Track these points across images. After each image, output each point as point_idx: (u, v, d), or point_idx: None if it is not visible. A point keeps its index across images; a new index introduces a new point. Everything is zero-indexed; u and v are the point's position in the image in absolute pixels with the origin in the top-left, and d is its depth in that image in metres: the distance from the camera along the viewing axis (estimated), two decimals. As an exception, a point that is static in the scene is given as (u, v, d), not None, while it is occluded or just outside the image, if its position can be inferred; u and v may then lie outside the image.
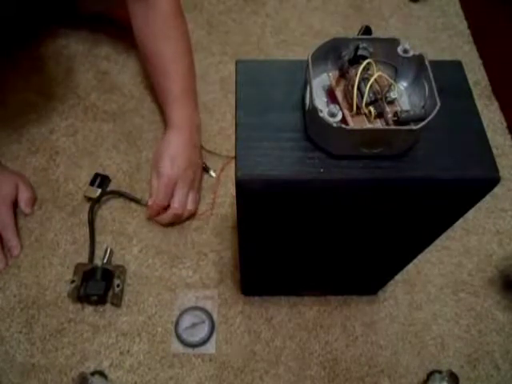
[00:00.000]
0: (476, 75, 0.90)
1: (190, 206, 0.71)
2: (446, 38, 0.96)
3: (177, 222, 0.72)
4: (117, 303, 0.66)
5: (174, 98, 0.74)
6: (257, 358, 0.64)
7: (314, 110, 0.33)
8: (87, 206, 0.72)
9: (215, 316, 0.66)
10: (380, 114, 0.35)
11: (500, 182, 0.36)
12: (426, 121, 0.32)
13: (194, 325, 0.65)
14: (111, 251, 0.70)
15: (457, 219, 0.43)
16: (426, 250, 0.50)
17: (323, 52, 0.36)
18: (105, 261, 0.68)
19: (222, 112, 0.84)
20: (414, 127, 0.32)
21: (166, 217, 0.70)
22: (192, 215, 0.73)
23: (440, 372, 0.63)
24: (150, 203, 0.70)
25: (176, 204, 0.69)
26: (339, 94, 0.37)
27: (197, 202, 0.73)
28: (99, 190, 0.73)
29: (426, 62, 0.35)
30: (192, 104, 0.76)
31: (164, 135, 0.73)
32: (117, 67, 0.87)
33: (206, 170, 0.77)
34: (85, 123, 0.82)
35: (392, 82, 0.35)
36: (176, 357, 0.64)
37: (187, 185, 0.70)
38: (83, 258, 0.69)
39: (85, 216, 0.72)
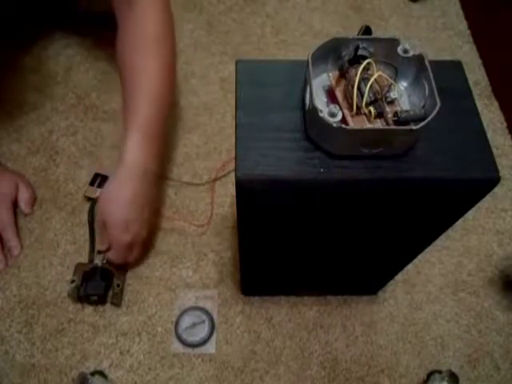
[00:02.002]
0: (476, 75, 0.90)
1: (129, 259, 0.67)
2: (446, 37, 0.96)
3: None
4: (117, 303, 0.66)
5: (135, 126, 0.63)
6: (257, 358, 0.64)
7: (314, 109, 0.33)
8: (87, 206, 0.72)
9: (215, 316, 0.66)
10: (380, 114, 0.35)
11: (500, 181, 0.36)
12: (426, 121, 0.32)
13: (194, 325, 0.65)
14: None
15: (457, 219, 0.43)
16: (426, 250, 0.50)
17: (323, 52, 0.36)
18: (105, 261, 0.68)
19: (221, 112, 0.84)
20: (413, 127, 0.33)
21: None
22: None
23: (440, 372, 0.63)
24: (101, 251, 0.65)
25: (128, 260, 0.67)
26: (339, 94, 0.37)
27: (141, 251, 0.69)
28: (99, 190, 0.73)
29: (426, 62, 0.35)
30: (154, 140, 0.65)
31: (114, 175, 0.63)
32: (117, 67, 0.87)
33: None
34: (85, 123, 0.82)
35: (392, 82, 0.35)
36: (176, 357, 0.64)
37: (139, 244, 0.66)
38: (83, 258, 0.69)
39: (85, 216, 0.72)
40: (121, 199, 0.62)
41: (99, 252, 0.67)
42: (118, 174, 0.63)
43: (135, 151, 0.63)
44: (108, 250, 0.65)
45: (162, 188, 0.75)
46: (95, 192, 0.73)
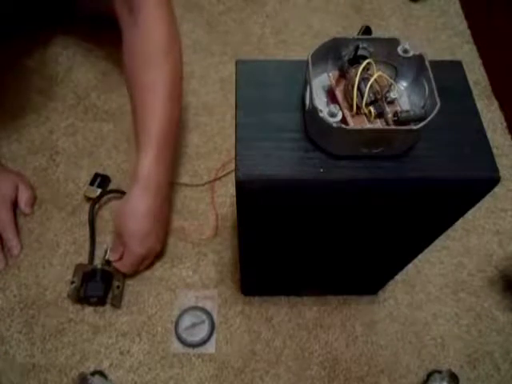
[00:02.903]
0: (476, 75, 0.90)
1: (141, 268, 0.68)
2: (446, 38, 0.96)
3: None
4: (116, 305, 0.66)
5: (147, 143, 0.64)
6: (257, 358, 0.64)
7: (314, 109, 0.33)
8: (87, 206, 0.72)
9: (215, 316, 0.66)
10: (380, 114, 0.35)
11: (500, 181, 0.36)
12: (426, 121, 0.32)
13: (194, 325, 0.65)
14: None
15: (457, 219, 0.43)
16: (426, 250, 0.50)
17: (323, 52, 0.36)
18: (104, 261, 0.68)
19: (222, 112, 0.84)
20: (414, 127, 0.33)
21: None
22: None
23: (440, 372, 0.63)
24: (112, 261, 0.67)
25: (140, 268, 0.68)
26: (339, 94, 0.37)
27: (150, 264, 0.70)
28: (99, 190, 0.73)
29: (426, 62, 0.35)
30: (167, 155, 0.66)
31: (130, 191, 0.65)
32: (117, 67, 0.87)
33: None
34: (85, 123, 0.82)
35: (392, 81, 0.35)
36: (176, 357, 0.64)
37: (152, 256, 0.68)
38: (83, 259, 0.69)
39: (85, 216, 0.71)
40: (137, 213, 0.64)
41: (108, 261, 0.67)
42: (133, 190, 0.64)
43: (149, 168, 0.64)
44: (119, 259, 0.66)
45: (172, 200, 0.75)
46: (95, 192, 0.73)
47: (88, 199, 0.73)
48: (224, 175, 0.77)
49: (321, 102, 0.37)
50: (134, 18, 0.64)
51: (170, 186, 0.70)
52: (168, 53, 0.66)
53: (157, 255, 0.69)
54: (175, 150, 0.72)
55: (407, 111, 0.34)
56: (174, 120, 0.67)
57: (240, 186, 0.36)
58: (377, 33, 0.88)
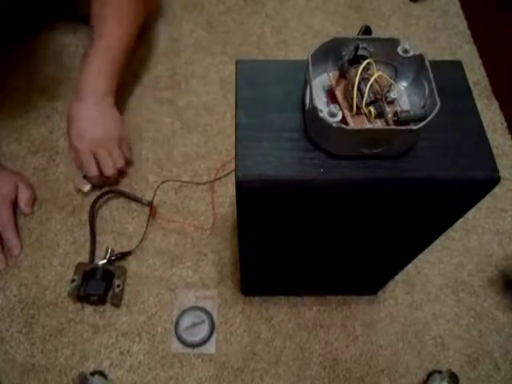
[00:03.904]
0: (476, 75, 0.90)
1: (118, 164, 0.73)
2: (446, 38, 0.96)
3: (112, 181, 0.75)
4: (116, 304, 0.66)
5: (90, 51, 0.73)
6: (257, 358, 0.64)
7: (314, 109, 0.33)
8: (87, 206, 0.72)
9: (215, 316, 0.66)
10: (380, 114, 0.35)
11: (500, 181, 0.36)
12: (426, 121, 0.32)
13: (194, 325, 0.65)
14: (112, 251, 0.69)
15: (457, 219, 0.43)
16: (426, 250, 0.50)
17: (323, 52, 0.36)
18: (105, 261, 0.68)
19: (222, 112, 0.84)
20: (413, 127, 0.33)
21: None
22: (123, 170, 0.75)
23: (440, 372, 0.63)
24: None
25: (103, 170, 0.72)
26: (339, 94, 0.37)
27: (125, 156, 0.75)
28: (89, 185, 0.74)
29: (426, 62, 0.35)
30: (113, 68, 0.74)
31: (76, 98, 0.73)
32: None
33: (137, 200, 0.74)
34: (85, 123, 0.82)
35: (392, 81, 0.35)
36: (176, 357, 0.64)
37: (106, 149, 0.72)
38: (83, 258, 0.69)
39: (85, 216, 0.72)
40: (70, 118, 0.72)
41: (109, 260, 0.68)
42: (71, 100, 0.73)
43: (87, 79, 0.72)
44: (89, 174, 0.72)
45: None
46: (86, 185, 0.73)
47: (78, 191, 0.74)
48: (224, 175, 0.77)
49: (321, 102, 0.37)
50: None
51: (111, 94, 0.75)
52: None
53: (112, 152, 0.72)
54: (122, 63, 0.76)
55: (407, 111, 0.34)
56: (130, 33, 0.77)
57: (240, 185, 0.36)
58: (377, 33, 0.88)
